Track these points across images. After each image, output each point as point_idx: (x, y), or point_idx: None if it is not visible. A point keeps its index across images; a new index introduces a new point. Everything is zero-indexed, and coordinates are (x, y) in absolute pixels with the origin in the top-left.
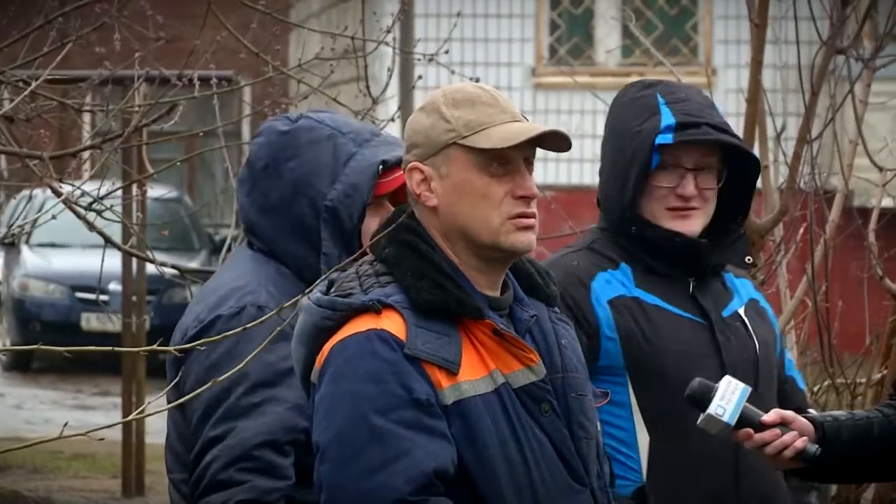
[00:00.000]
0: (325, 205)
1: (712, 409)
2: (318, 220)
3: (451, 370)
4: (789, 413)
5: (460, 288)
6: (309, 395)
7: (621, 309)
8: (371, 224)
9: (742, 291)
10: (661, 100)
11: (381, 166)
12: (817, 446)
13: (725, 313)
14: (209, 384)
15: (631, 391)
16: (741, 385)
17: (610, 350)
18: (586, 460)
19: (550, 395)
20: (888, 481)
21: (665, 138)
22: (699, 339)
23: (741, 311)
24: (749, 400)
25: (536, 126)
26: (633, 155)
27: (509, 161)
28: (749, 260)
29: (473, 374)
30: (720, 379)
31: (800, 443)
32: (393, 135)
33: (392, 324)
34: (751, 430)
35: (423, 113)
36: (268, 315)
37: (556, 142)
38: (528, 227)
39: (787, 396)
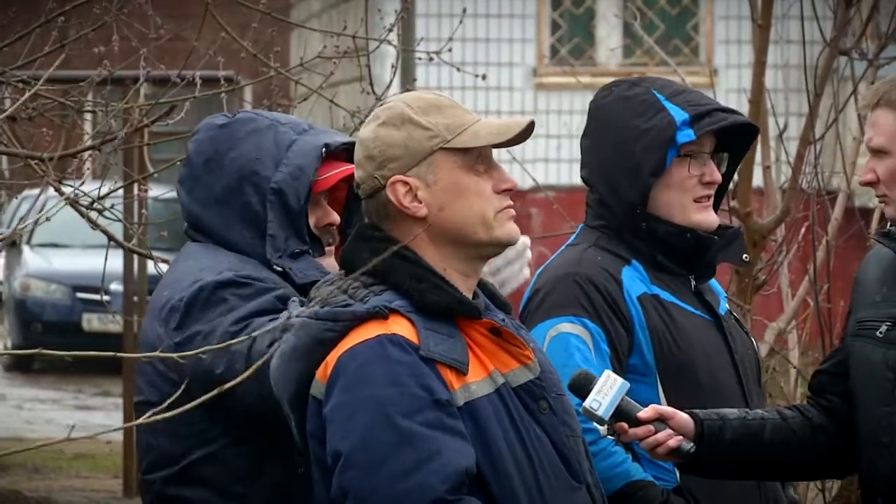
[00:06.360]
0: (271, 187)
1: (588, 402)
2: (264, 205)
3: (462, 370)
4: (668, 409)
5: (456, 290)
6: (301, 413)
7: (648, 307)
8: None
9: (719, 291)
10: (659, 96)
11: (324, 149)
12: (692, 444)
13: (721, 311)
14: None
15: (661, 390)
16: (619, 380)
17: (642, 348)
18: (578, 457)
19: (546, 393)
20: (775, 480)
21: (687, 135)
22: (712, 337)
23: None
24: (745, 391)
25: (519, 119)
26: (644, 153)
27: (488, 158)
28: (746, 258)
29: (476, 375)
30: (734, 374)
31: (673, 441)
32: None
33: (401, 328)
34: (625, 425)
35: (388, 127)
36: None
37: (522, 135)
38: (513, 217)
39: None
